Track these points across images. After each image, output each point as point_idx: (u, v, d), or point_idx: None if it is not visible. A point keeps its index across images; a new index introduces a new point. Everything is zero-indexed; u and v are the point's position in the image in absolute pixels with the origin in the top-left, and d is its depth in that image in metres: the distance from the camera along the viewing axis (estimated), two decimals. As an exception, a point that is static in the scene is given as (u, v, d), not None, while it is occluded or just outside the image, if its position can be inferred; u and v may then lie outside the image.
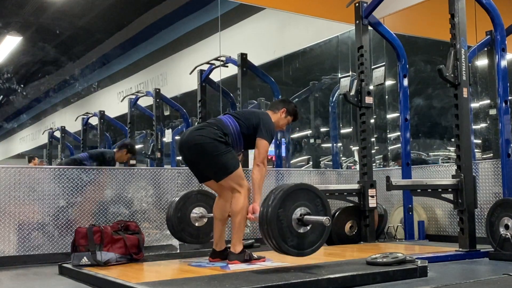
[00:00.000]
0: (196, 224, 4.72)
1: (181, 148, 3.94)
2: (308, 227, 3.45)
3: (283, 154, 7.76)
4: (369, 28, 5.48)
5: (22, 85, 12.27)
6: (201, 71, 7.39)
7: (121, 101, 9.49)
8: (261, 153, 3.88)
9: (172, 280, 3.28)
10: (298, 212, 3.43)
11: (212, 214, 4.24)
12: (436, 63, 8.60)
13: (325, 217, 3.40)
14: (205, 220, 4.73)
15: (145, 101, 9.17)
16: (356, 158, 8.83)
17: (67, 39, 11.06)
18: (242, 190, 3.82)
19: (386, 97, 8.59)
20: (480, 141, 8.34)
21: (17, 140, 16.99)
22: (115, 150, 7.02)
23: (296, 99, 8.38)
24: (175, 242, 5.24)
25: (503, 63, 4.89)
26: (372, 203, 5.26)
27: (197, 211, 4.71)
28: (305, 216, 3.43)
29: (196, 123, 7.38)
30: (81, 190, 4.91)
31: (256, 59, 7.36)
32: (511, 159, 4.73)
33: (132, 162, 8.75)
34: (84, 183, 4.94)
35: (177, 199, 4.69)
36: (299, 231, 3.42)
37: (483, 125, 8.28)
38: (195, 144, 3.80)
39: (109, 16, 10.35)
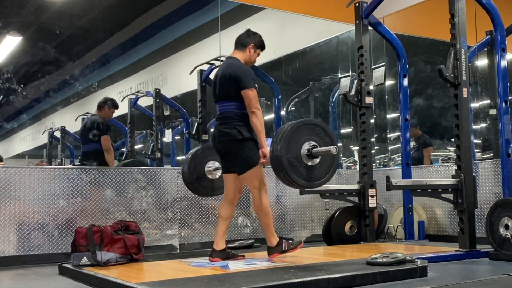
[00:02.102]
0: (210, 177, 4.82)
1: (213, 143, 4.20)
2: (318, 159, 3.79)
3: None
4: (369, 28, 5.48)
5: (22, 85, 12.26)
6: (201, 71, 7.38)
7: (121, 101, 9.47)
8: (251, 101, 3.93)
9: (172, 280, 3.28)
10: (305, 147, 3.73)
11: None
12: (436, 63, 8.59)
13: (331, 146, 3.70)
14: (219, 173, 4.79)
15: (145, 101, 9.16)
16: (356, 158, 8.83)
17: (67, 39, 11.05)
18: (260, 187, 3.98)
19: (386, 97, 8.59)
20: (480, 141, 8.34)
21: (17, 140, 16.99)
22: (95, 112, 6.60)
23: (296, 99, 8.38)
24: (175, 242, 5.24)
25: (503, 63, 4.88)
26: (372, 203, 5.26)
27: (210, 165, 4.81)
28: (313, 149, 3.75)
29: (195, 124, 7.38)
30: (81, 190, 4.91)
31: (256, 59, 7.35)
32: (511, 159, 4.72)
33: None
34: (84, 183, 4.94)
35: (190, 155, 4.80)
36: (309, 164, 3.72)
37: (483, 125, 8.28)
38: (224, 152, 4.07)
39: (109, 16, 10.34)
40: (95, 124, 6.39)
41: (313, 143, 3.77)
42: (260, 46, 4.28)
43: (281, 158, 3.64)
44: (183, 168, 4.85)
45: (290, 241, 4.14)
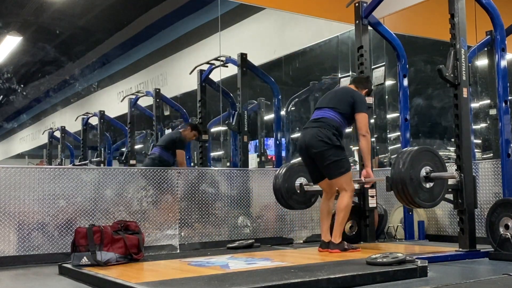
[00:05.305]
0: (299, 192, 5.10)
1: (302, 150, 4.55)
2: (433, 183, 4.05)
3: (283, 154, 7.76)
4: (369, 28, 5.48)
5: (22, 85, 12.26)
6: (201, 71, 7.39)
7: (121, 101, 9.49)
8: (363, 124, 4.55)
9: (172, 280, 3.28)
10: (423, 171, 4.03)
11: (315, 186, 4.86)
12: (436, 63, 8.59)
13: (454, 172, 4.12)
14: (307, 187, 5.12)
15: (145, 101, 9.17)
16: (356, 158, 8.83)
17: (67, 39, 11.06)
18: (348, 190, 4.48)
19: (386, 97, 8.58)
20: (480, 141, 8.34)
21: (17, 140, 16.99)
22: (181, 130, 7.08)
23: (296, 99, 8.39)
24: (175, 242, 5.24)
25: (503, 63, 4.88)
26: (372, 203, 5.26)
27: (299, 182, 5.10)
28: (432, 174, 4.04)
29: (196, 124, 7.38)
30: (81, 190, 4.90)
31: (256, 59, 7.36)
32: (511, 159, 4.72)
33: (132, 162, 8.76)
34: (84, 183, 4.93)
35: (283, 170, 5.08)
36: (427, 186, 4.03)
37: (483, 125, 8.28)
38: (318, 152, 4.41)
39: (109, 16, 10.35)
40: (173, 137, 6.91)
41: (429, 168, 4.08)
42: (369, 93, 5.05)
43: (405, 181, 3.95)
44: (275, 184, 5.07)
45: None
